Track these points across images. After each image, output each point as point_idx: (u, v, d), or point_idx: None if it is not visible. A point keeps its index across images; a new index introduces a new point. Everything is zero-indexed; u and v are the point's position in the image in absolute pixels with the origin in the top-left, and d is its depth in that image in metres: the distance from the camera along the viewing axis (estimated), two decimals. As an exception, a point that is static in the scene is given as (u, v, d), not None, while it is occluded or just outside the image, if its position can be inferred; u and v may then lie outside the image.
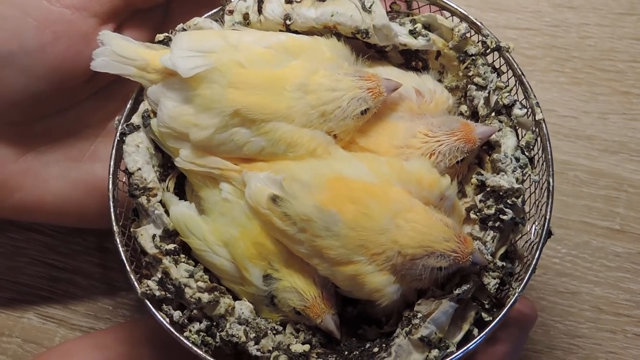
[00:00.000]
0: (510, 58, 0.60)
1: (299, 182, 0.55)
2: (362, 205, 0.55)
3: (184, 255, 0.58)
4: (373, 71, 0.59)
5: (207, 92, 0.57)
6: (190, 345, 0.56)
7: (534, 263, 0.57)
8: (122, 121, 0.59)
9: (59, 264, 0.68)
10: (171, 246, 0.58)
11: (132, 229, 0.58)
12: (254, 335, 0.56)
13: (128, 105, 0.60)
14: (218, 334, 0.56)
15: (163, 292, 0.57)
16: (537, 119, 0.59)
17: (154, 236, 0.58)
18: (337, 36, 0.60)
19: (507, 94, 0.60)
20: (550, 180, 0.58)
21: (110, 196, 0.59)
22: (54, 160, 0.63)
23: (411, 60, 0.62)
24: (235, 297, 0.58)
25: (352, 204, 0.55)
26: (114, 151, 0.59)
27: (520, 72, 0.60)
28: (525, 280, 0.57)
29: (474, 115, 0.61)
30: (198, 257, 0.58)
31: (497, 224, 0.58)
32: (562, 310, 0.67)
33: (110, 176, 0.59)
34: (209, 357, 0.56)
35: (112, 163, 0.59)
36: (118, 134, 0.59)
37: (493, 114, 0.60)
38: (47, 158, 0.63)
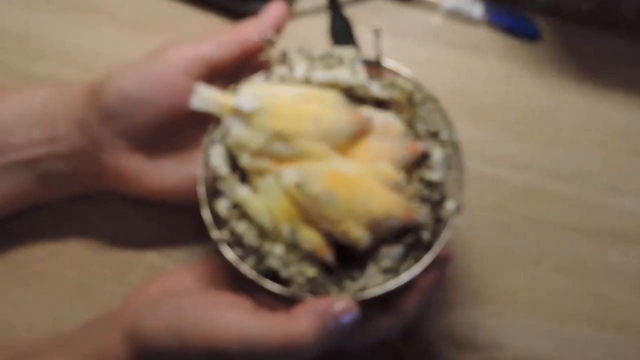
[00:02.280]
0: (439, 104, 0.58)
1: (312, 175, 0.53)
2: (349, 189, 0.53)
3: (244, 218, 0.55)
4: (358, 110, 0.57)
5: (258, 121, 0.54)
6: (246, 270, 0.54)
7: (451, 224, 0.56)
8: (208, 138, 0.57)
9: (173, 224, 0.66)
10: (236, 212, 0.55)
11: (213, 202, 0.56)
12: (284, 264, 0.54)
13: (212, 129, 0.58)
14: (263, 264, 0.54)
15: (230, 239, 0.55)
16: (454, 140, 0.58)
17: (225, 206, 0.55)
18: (337, 89, 0.58)
19: (437, 125, 0.58)
20: (462, 177, 0.57)
21: (201, 182, 0.57)
22: (170, 163, 0.61)
23: (381, 104, 0.59)
24: (274, 243, 0.55)
25: (343, 188, 0.53)
26: (203, 156, 0.57)
27: (444, 112, 0.58)
28: (445, 235, 0.55)
29: (417, 137, 0.58)
30: (252, 219, 0.55)
31: (429, 201, 0.56)
32: (464, 254, 0.65)
33: (201, 170, 0.57)
34: (257, 277, 0.54)
35: (202, 163, 0.57)
36: (206, 146, 0.57)
37: (428, 137, 0.58)
38: (166, 162, 0.61)
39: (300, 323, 0.49)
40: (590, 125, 0.69)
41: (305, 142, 0.53)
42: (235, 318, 0.49)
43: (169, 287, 0.56)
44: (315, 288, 0.53)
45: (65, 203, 0.64)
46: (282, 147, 0.54)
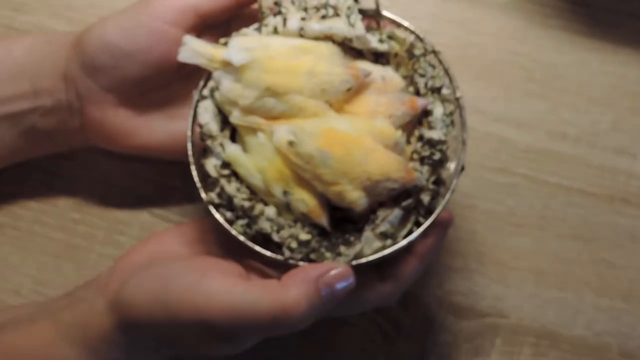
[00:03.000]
0: (441, 58, 0.55)
1: (306, 132, 0.50)
2: (345, 148, 0.49)
3: (234, 178, 0.52)
4: (354, 64, 0.53)
5: (250, 75, 0.51)
6: (236, 233, 0.51)
7: (452, 186, 0.52)
8: (197, 93, 0.54)
9: (163, 183, 0.63)
10: (226, 172, 0.52)
11: (202, 160, 0.53)
12: (276, 228, 0.51)
13: (201, 83, 0.54)
14: (254, 227, 0.51)
15: (220, 200, 0.52)
16: (457, 96, 0.54)
17: (215, 165, 0.52)
18: (332, 41, 0.54)
19: (438, 80, 0.54)
20: (464, 136, 0.53)
21: (189, 140, 0.53)
22: (158, 118, 0.58)
23: (379, 58, 0.56)
24: (266, 205, 0.52)
25: (339, 147, 0.49)
26: (192, 112, 0.54)
27: (446, 66, 0.54)
28: (447, 198, 0.52)
29: (417, 93, 0.54)
30: (243, 179, 0.52)
31: (430, 162, 0.52)
32: (466, 217, 0.62)
33: (190, 127, 0.53)
34: (247, 241, 0.51)
35: (190, 120, 0.54)
36: (195, 101, 0.54)
37: (429, 92, 0.54)
38: (154, 117, 0.58)
39: (291, 290, 0.46)
40: (600, 84, 0.65)
41: (299, 97, 0.50)
42: (222, 286, 0.46)
43: (156, 251, 0.53)
44: (308, 253, 0.50)
45: (51, 161, 0.62)
46: (274, 103, 0.50)
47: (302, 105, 0.50)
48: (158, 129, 0.57)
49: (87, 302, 0.51)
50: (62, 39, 0.57)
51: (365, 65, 0.53)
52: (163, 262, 0.50)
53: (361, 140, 0.49)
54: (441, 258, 0.61)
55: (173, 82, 0.57)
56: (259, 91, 0.50)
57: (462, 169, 0.52)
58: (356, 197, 0.49)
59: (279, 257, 0.50)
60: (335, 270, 0.47)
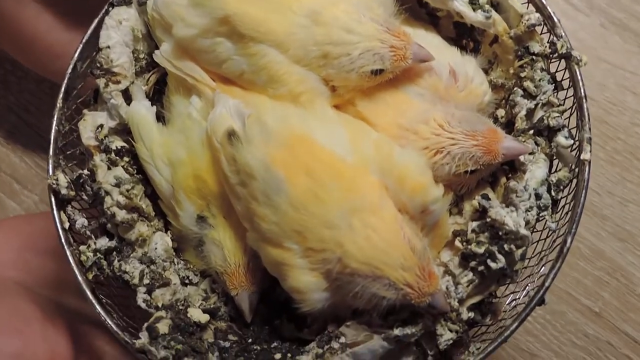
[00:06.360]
0: (578, 73, 0.29)
1: (262, 125, 0.28)
2: (317, 183, 0.27)
3: (126, 160, 0.30)
4: (409, 30, 0.29)
5: None
6: (73, 264, 0.29)
7: (510, 330, 0.27)
8: None
9: None
10: (118, 144, 0.30)
11: (84, 111, 0.31)
12: (148, 281, 0.29)
13: None
14: (113, 263, 0.29)
15: (71, 191, 0.30)
16: (582, 157, 0.28)
17: (99, 126, 0.30)
18: None
19: (558, 114, 0.28)
20: (569, 240, 0.27)
21: (70, 67, 0.31)
22: None
23: (463, 37, 0.31)
24: (165, 228, 0.30)
25: (306, 177, 0.27)
26: (95, 22, 0.31)
27: (583, 93, 0.28)
28: (489, 349, 0.27)
29: (509, 126, 0.30)
30: (143, 168, 0.30)
31: (480, 268, 0.27)
32: None
33: (81, 45, 0.31)
34: (85, 286, 0.28)
35: (89, 33, 0.31)
36: (107, 5, 0.32)
37: (532, 131, 0.29)
38: None
39: None
40: None
41: (277, 55, 0.30)
42: None
43: None
44: (180, 356, 0.30)
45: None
46: (230, 52, 0.30)
47: (277, 71, 0.30)
48: None
49: None
50: None
51: (429, 39, 0.32)
52: None
53: (355, 178, 0.28)
54: None
55: None
56: (211, 19, 0.30)
57: (542, 302, 0.28)
58: (305, 284, 0.28)
59: (125, 340, 0.30)
60: None
